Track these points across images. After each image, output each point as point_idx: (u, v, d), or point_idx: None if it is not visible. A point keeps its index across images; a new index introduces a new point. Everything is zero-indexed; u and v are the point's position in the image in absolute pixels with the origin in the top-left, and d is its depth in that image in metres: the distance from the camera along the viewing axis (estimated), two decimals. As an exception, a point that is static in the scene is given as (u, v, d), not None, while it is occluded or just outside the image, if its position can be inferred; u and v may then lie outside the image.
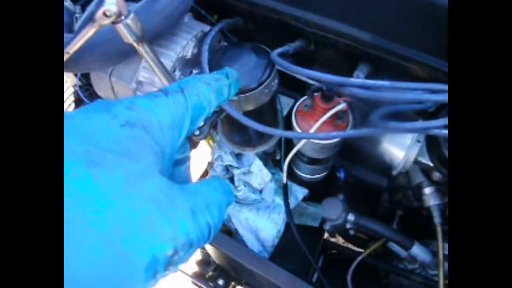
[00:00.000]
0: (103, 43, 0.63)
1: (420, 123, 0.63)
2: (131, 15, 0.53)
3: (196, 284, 0.93)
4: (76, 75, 1.02)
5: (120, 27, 0.53)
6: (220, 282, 0.92)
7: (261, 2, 0.76)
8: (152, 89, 0.73)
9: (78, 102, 1.11)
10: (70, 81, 1.08)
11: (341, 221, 1.00)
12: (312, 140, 0.75)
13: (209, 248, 0.94)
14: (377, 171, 1.02)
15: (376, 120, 0.64)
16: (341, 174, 0.96)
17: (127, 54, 0.69)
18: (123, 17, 0.52)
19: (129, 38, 0.54)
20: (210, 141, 0.96)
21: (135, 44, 0.55)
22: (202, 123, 0.70)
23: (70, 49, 0.59)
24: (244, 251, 0.84)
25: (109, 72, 0.75)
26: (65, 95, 1.44)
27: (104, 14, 0.51)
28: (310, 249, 0.94)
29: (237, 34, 0.86)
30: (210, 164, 0.99)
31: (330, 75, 0.61)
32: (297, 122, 0.76)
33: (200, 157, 1.20)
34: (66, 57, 0.63)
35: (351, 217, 0.99)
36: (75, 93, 1.09)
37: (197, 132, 0.69)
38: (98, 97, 1.03)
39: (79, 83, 1.01)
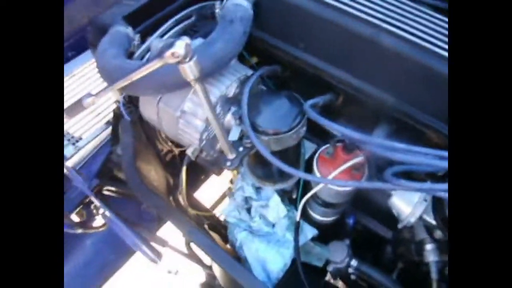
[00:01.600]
0: (163, 75, 0.73)
1: (427, 185, 0.71)
2: (194, 58, 0.64)
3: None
4: (120, 94, 1.13)
5: (184, 67, 0.63)
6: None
7: (302, 57, 0.86)
8: (194, 120, 0.83)
9: (117, 117, 1.21)
10: (114, 97, 1.19)
11: (344, 265, 1.06)
12: (329, 186, 0.84)
13: (217, 270, 1.02)
14: (384, 223, 1.09)
15: (389, 177, 0.73)
16: (351, 221, 1.03)
17: (180, 87, 0.80)
18: (187, 59, 0.63)
19: (189, 77, 0.64)
20: (235, 171, 1.05)
21: (192, 83, 0.66)
22: (234, 155, 0.80)
23: (135, 77, 0.70)
24: (251, 279, 0.91)
25: (158, 99, 0.85)
26: (105, 108, 1.56)
27: (173, 54, 0.62)
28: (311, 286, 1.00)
29: (273, 79, 0.97)
30: (230, 192, 1.07)
31: (354, 132, 0.70)
32: (317, 167, 0.85)
33: (220, 182, 1.29)
34: (127, 82, 0.74)
35: (354, 262, 1.05)
36: (117, 108, 1.20)
37: (228, 163, 0.79)
38: (137, 115, 1.14)
39: (123, 100, 1.11)
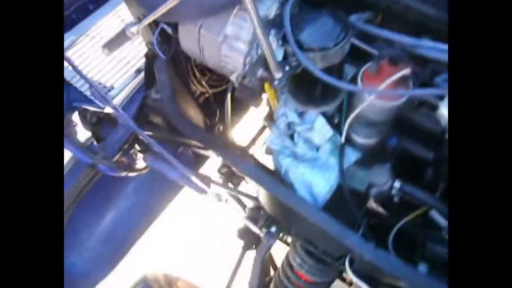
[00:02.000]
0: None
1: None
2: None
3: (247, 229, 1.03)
4: (153, 33, 1.13)
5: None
6: (273, 229, 1.03)
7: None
8: (237, 43, 0.83)
9: (150, 60, 1.22)
10: (147, 38, 1.19)
11: (387, 187, 1.09)
12: (375, 101, 0.84)
13: (263, 196, 1.05)
14: (425, 146, 1.10)
15: (440, 82, 0.73)
16: (393, 142, 1.04)
17: (219, 9, 0.80)
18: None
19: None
20: (275, 101, 1.05)
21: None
22: (280, 74, 0.80)
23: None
24: (299, 200, 0.95)
25: (199, 26, 0.85)
26: (133, 58, 1.57)
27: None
28: (356, 210, 1.03)
29: (310, 2, 0.95)
30: (270, 123, 1.08)
31: (406, 37, 0.70)
32: (362, 83, 0.85)
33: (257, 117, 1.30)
34: (171, 4, 0.75)
35: (397, 183, 1.07)
36: (149, 51, 1.21)
37: (276, 82, 0.80)
38: (171, 54, 1.14)
39: (157, 40, 1.12)
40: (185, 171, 1.02)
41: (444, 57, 0.72)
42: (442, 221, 1.09)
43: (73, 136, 1.22)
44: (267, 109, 1.36)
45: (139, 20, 0.83)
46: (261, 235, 1.02)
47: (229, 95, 0.91)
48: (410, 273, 0.92)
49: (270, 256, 1.42)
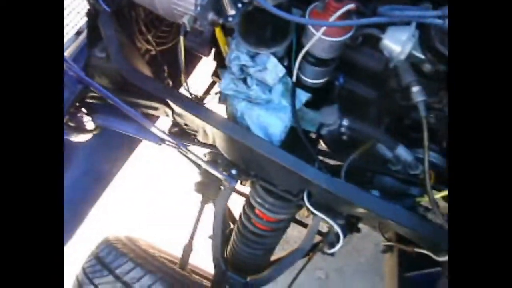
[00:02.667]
0: None
1: (419, 12, 0.79)
2: None
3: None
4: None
5: None
6: (233, 171, 1.07)
7: None
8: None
9: (92, 16, 1.19)
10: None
11: (336, 126, 1.16)
12: (323, 37, 0.90)
13: (221, 142, 1.08)
14: (369, 84, 1.18)
15: (384, 10, 0.80)
16: (340, 80, 1.11)
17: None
18: None
19: None
20: (225, 46, 1.08)
21: None
22: (233, 11, 0.83)
23: None
24: (257, 139, 0.99)
25: (146, -32, 0.85)
26: (71, 21, 1.51)
27: None
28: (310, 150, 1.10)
29: None
30: (220, 75, 1.11)
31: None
32: (310, 19, 0.90)
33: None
34: None
35: (345, 122, 1.15)
36: (91, 6, 1.18)
37: (230, 18, 0.83)
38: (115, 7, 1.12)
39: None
40: (142, 120, 1.03)
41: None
42: (388, 153, 1.19)
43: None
44: (213, 65, 1.38)
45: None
46: (222, 178, 1.06)
47: (182, 45, 0.92)
48: (366, 196, 1.00)
49: (229, 210, 1.47)
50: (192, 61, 1.45)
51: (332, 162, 1.31)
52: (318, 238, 1.21)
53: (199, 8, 0.88)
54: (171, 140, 1.05)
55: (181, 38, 0.91)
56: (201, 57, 1.45)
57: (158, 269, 1.10)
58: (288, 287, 1.34)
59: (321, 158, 1.28)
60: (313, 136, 1.27)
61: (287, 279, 1.44)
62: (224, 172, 1.06)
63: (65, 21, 1.49)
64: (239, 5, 0.84)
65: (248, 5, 0.85)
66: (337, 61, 1.04)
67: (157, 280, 1.10)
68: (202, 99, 1.37)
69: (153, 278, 1.10)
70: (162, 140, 1.08)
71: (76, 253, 1.27)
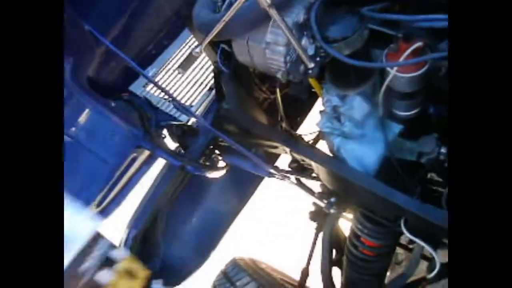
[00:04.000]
0: (246, 14, 0.99)
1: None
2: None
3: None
4: (216, 53, 1.42)
5: (259, -3, 0.88)
6: (332, 199, 1.23)
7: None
8: (277, 47, 1.07)
9: (217, 76, 1.51)
10: (211, 57, 1.49)
11: (435, 155, 1.23)
12: (398, 74, 1.02)
13: (324, 175, 1.25)
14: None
15: (444, 46, 0.90)
16: (431, 109, 1.20)
17: (258, 23, 1.05)
18: (260, -9, 0.88)
19: (264, 4, 0.89)
20: (320, 91, 1.27)
21: (267, 9, 0.90)
22: (313, 64, 1.03)
23: (227, 17, 0.97)
24: (352, 170, 1.15)
25: (246, 39, 1.11)
26: (205, 78, 1.89)
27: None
28: (408, 179, 1.19)
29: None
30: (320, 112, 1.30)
31: (409, 16, 0.89)
32: (386, 61, 1.04)
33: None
34: (221, 26, 1.02)
35: (444, 150, 1.22)
36: (215, 68, 1.50)
37: (309, 71, 1.03)
38: (233, 68, 1.41)
39: (220, 59, 1.40)
40: (254, 158, 1.27)
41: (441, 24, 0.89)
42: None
43: (164, 146, 1.54)
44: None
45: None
46: (323, 205, 1.23)
47: (278, 96, 1.15)
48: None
49: (340, 235, 1.60)
50: (305, 104, 1.67)
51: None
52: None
53: (288, 64, 1.10)
54: (278, 173, 1.27)
55: (277, 90, 1.14)
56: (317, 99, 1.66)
57: (271, 285, 1.30)
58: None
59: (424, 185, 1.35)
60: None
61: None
62: (325, 200, 1.23)
63: (200, 79, 1.86)
64: (317, 59, 1.03)
65: (325, 58, 1.04)
66: (423, 92, 1.14)
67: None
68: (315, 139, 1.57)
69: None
70: (271, 174, 1.31)
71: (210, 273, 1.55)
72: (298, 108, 1.73)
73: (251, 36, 1.11)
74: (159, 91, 1.89)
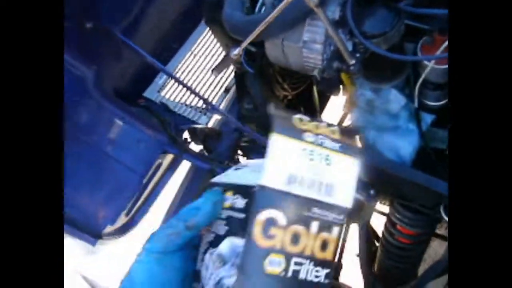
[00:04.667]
0: (287, 13, 1.01)
1: None
2: (312, -11, 0.91)
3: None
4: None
5: (308, -2, 0.90)
6: (372, 192, 1.26)
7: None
8: (314, 45, 1.10)
9: (239, 76, 1.53)
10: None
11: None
12: (435, 66, 1.06)
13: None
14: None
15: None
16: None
17: (295, 23, 1.08)
18: (308, -9, 0.90)
19: (311, 3, 0.92)
20: (351, 86, 1.31)
21: (315, 9, 0.93)
22: (353, 61, 1.06)
23: (270, 18, 0.99)
24: (391, 162, 1.18)
25: (281, 40, 1.14)
26: (219, 80, 1.90)
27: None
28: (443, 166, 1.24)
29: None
30: (350, 107, 1.33)
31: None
32: (422, 54, 1.08)
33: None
34: (262, 28, 1.04)
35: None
36: (237, 69, 1.52)
37: (352, 67, 1.06)
38: (255, 67, 1.43)
39: (244, 60, 1.42)
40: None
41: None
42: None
43: (190, 150, 1.55)
44: (344, 99, 1.61)
45: (237, 44, 1.14)
46: (362, 198, 1.26)
47: (315, 89, 1.17)
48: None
49: (373, 229, 1.64)
50: (324, 99, 1.70)
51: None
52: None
53: (325, 62, 1.12)
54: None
55: (314, 87, 1.16)
56: (330, 96, 1.69)
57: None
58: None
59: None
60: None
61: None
62: (363, 193, 1.26)
63: (215, 81, 1.88)
64: (358, 55, 1.06)
65: (365, 53, 1.07)
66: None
67: None
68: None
69: None
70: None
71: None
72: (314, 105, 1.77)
73: (287, 36, 1.13)
74: (174, 95, 1.90)
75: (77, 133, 1.41)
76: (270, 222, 0.44)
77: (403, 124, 1.24)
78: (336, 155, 0.47)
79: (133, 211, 1.55)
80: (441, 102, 1.23)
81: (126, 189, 1.50)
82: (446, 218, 1.20)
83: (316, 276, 0.46)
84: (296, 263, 0.45)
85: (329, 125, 0.49)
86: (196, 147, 1.64)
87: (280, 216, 0.45)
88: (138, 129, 1.50)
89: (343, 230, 0.47)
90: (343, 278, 1.61)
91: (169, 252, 0.53)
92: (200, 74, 1.96)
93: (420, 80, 1.11)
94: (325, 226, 0.46)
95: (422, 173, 1.15)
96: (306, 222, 0.45)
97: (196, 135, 1.61)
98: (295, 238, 0.45)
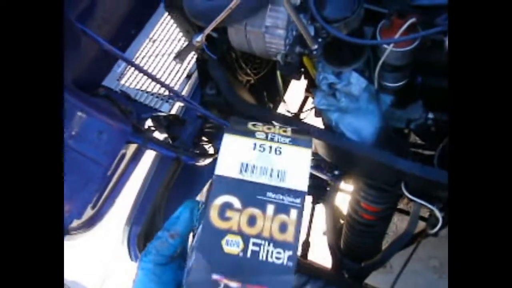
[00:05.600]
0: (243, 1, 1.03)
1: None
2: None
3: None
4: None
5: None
6: (336, 172, 1.31)
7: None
8: (277, 30, 1.12)
9: (201, 62, 1.53)
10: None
11: (423, 120, 1.35)
12: (394, 49, 1.11)
13: (323, 149, 1.33)
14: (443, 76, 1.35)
15: (440, 21, 1.00)
16: (418, 80, 1.30)
17: (257, 9, 1.09)
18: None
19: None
20: (313, 70, 1.34)
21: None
22: (316, 46, 1.09)
23: (233, 5, 1.00)
24: (354, 143, 1.23)
25: (244, 25, 1.15)
26: (178, 70, 1.89)
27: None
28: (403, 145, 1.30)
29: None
30: (312, 90, 1.37)
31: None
32: (381, 37, 1.12)
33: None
34: (225, 14, 1.05)
35: (430, 115, 1.34)
36: (199, 55, 1.52)
37: (314, 52, 1.09)
38: (218, 53, 1.44)
39: (206, 46, 1.42)
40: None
41: (438, 1, 0.98)
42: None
43: (154, 139, 1.55)
44: (304, 83, 1.65)
45: (199, 31, 1.14)
46: (328, 179, 1.31)
47: (279, 77, 1.20)
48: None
49: (337, 208, 1.71)
50: (286, 83, 1.73)
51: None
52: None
53: (287, 47, 1.15)
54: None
55: (278, 72, 1.19)
56: (291, 80, 1.72)
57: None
58: (400, 271, 1.53)
59: (415, 150, 1.48)
60: (405, 131, 1.46)
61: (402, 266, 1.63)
62: (328, 174, 1.31)
63: (176, 68, 1.87)
64: (320, 40, 1.09)
65: (327, 38, 1.10)
66: (412, 64, 1.24)
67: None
68: (299, 114, 1.64)
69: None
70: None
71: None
72: (276, 89, 1.80)
73: (249, 21, 1.14)
74: (134, 83, 1.87)
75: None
76: (226, 206, 0.49)
77: (364, 105, 1.28)
78: (287, 147, 0.52)
79: (99, 204, 1.54)
80: (399, 83, 1.28)
81: (91, 182, 1.47)
82: (408, 195, 1.27)
83: (278, 258, 0.48)
84: (254, 244, 0.48)
85: (282, 127, 0.55)
86: (160, 136, 1.64)
87: (235, 201, 0.49)
88: (99, 120, 1.47)
89: (303, 213, 0.50)
90: (311, 256, 1.67)
91: (161, 265, 0.56)
92: (160, 61, 1.94)
93: (380, 62, 1.15)
94: (282, 209, 0.50)
95: (383, 151, 1.20)
96: (261, 205, 0.50)
97: (160, 123, 1.60)
98: (252, 220, 0.49)
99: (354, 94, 1.24)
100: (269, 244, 0.48)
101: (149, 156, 1.70)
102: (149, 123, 1.66)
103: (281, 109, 1.77)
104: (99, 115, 1.47)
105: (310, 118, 1.50)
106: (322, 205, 1.61)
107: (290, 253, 0.49)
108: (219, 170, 0.51)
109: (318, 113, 1.36)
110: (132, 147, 1.65)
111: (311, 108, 1.45)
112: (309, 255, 1.68)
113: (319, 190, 1.58)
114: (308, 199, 1.63)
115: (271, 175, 0.51)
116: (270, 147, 0.52)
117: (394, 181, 1.29)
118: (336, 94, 1.28)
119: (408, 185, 1.27)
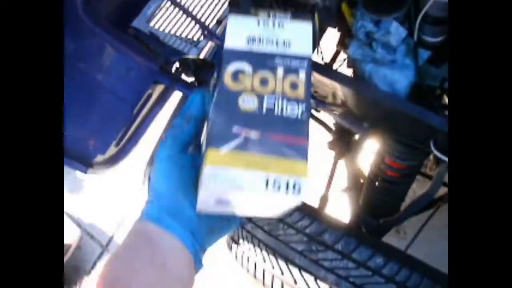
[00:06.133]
0: None
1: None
2: None
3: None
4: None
5: None
6: (365, 124, 1.30)
7: None
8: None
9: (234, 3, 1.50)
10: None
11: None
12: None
13: (352, 100, 1.32)
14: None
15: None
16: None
17: None
18: None
19: None
20: (351, 18, 1.31)
21: None
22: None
23: None
24: (387, 94, 1.21)
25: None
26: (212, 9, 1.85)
27: None
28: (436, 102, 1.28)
29: None
30: (345, 45, 1.34)
31: None
32: (427, -15, 1.08)
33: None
34: None
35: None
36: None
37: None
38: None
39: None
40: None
41: None
42: None
43: (181, 80, 1.54)
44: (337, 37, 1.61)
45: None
46: (356, 130, 1.30)
47: (317, 20, 1.17)
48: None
49: (360, 166, 1.70)
50: (320, 31, 1.70)
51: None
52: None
53: (329, -12, 1.12)
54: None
55: (316, 15, 1.16)
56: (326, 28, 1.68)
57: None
58: (414, 237, 1.53)
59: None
60: (438, 91, 1.43)
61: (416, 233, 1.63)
62: (356, 125, 1.30)
63: (206, 13, 1.84)
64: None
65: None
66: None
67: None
68: (330, 65, 1.61)
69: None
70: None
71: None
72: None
73: (291, -40, 1.11)
74: (163, 27, 1.85)
75: (66, 60, 1.38)
76: (238, 71, 0.52)
77: (400, 58, 1.26)
78: (289, 21, 0.57)
79: (123, 142, 1.55)
80: (439, 39, 1.25)
81: (116, 119, 1.49)
82: (436, 153, 1.25)
83: (292, 113, 0.51)
84: (268, 101, 0.52)
85: (283, 11, 0.59)
86: (187, 79, 1.63)
87: (246, 66, 0.53)
88: (129, 56, 1.47)
89: (310, 76, 0.54)
90: (329, 211, 1.68)
91: (179, 153, 0.57)
92: (190, 6, 1.90)
93: (422, 12, 1.12)
94: (291, 71, 0.54)
95: (416, 105, 1.19)
96: (271, 68, 0.53)
97: (188, 66, 1.59)
98: (264, 81, 0.53)
99: (392, 44, 1.21)
100: (282, 100, 0.51)
101: (175, 99, 1.70)
102: (176, 66, 1.65)
103: (314, 57, 1.74)
104: (130, 52, 1.47)
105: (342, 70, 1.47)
106: (344, 161, 1.61)
107: (303, 107, 0.51)
108: (227, 43, 0.54)
109: (351, 63, 1.34)
110: (160, 88, 1.65)
111: (344, 59, 1.42)
112: (326, 211, 1.68)
113: (343, 144, 1.57)
114: (331, 153, 1.63)
115: (277, 44, 0.55)
116: (273, 23, 0.56)
117: (424, 138, 1.27)
118: (372, 45, 1.26)
119: (437, 143, 1.25)
